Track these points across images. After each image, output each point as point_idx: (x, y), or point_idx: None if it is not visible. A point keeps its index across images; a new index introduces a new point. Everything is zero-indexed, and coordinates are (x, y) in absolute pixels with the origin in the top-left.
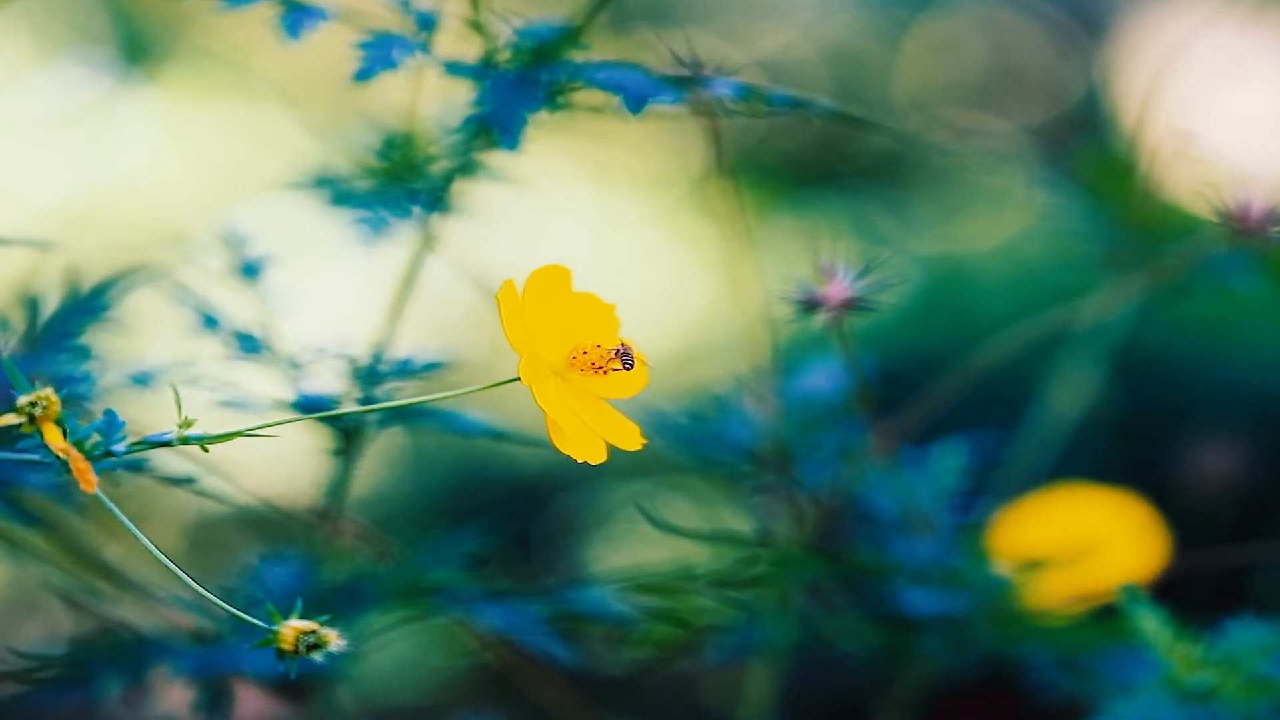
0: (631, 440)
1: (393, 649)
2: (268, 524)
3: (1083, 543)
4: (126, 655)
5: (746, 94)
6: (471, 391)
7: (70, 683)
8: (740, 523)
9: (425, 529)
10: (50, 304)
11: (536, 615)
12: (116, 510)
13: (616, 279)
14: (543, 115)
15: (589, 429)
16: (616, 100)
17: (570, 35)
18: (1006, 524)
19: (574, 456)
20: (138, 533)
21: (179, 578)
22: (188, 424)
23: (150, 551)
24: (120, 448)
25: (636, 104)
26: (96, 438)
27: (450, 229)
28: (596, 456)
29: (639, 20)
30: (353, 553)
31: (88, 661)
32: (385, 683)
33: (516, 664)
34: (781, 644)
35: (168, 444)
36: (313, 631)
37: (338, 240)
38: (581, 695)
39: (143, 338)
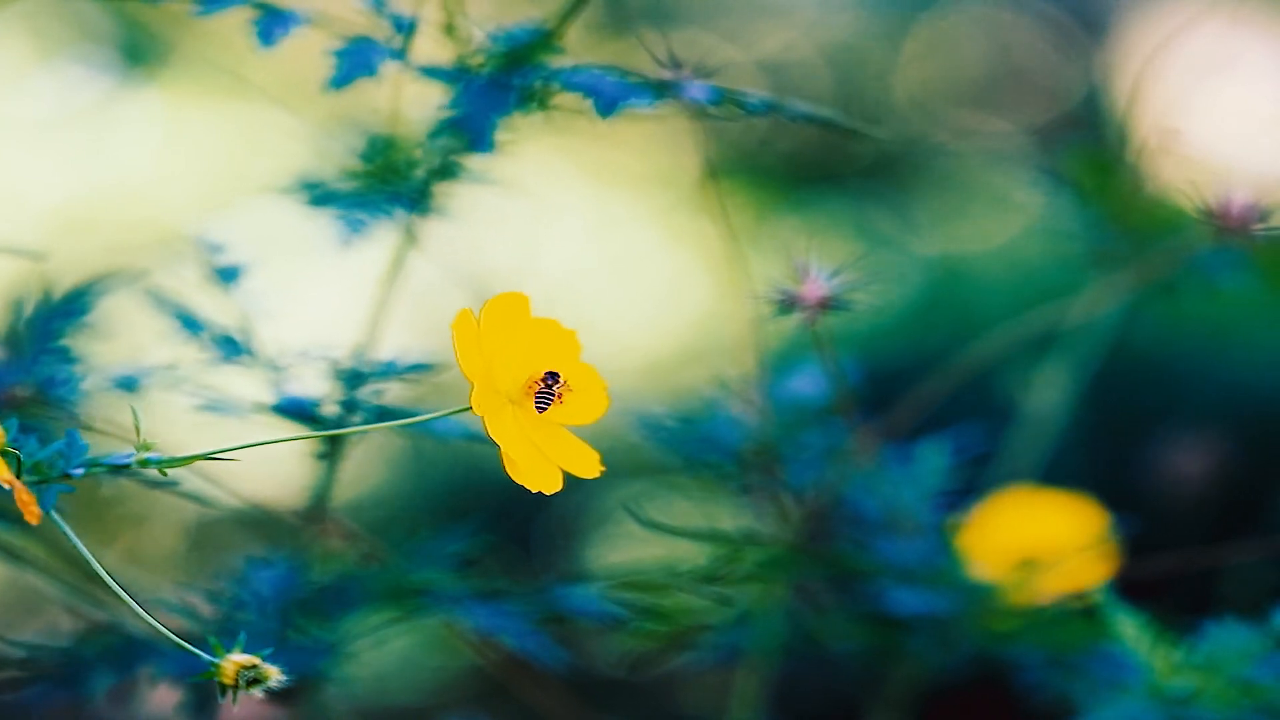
0: (589, 468)
1: (389, 651)
2: (268, 525)
3: (1048, 545)
4: (114, 656)
5: (720, 97)
6: (421, 420)
7: (59, 682)
8: (732, 523)
9: (419, 529)
10: (36, 307)
11: (523, 615)
12: (69, 531)
13: (616, 279)
14: (522, 118)
15: (544, 457)
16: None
17: (544, 39)
18: (979, 524)
19: (528, 487)
20: (86, 551)
21: (114, 590)
22: (147, 447)
23: (93, 567)
24: (77, 471)
25: (607, 107)
26: (58, 459)
27: (447, 231)
28: (550, 486)
29: (639, 21)
30: (342, 554)
31: (76, 662)
32: (380, 684)
33: (510, 666)
34: (771, 644)
35: (125, 467)
36: (253, 666)
37: (329, 243)
38: (574, 697)
39: (129, 340)
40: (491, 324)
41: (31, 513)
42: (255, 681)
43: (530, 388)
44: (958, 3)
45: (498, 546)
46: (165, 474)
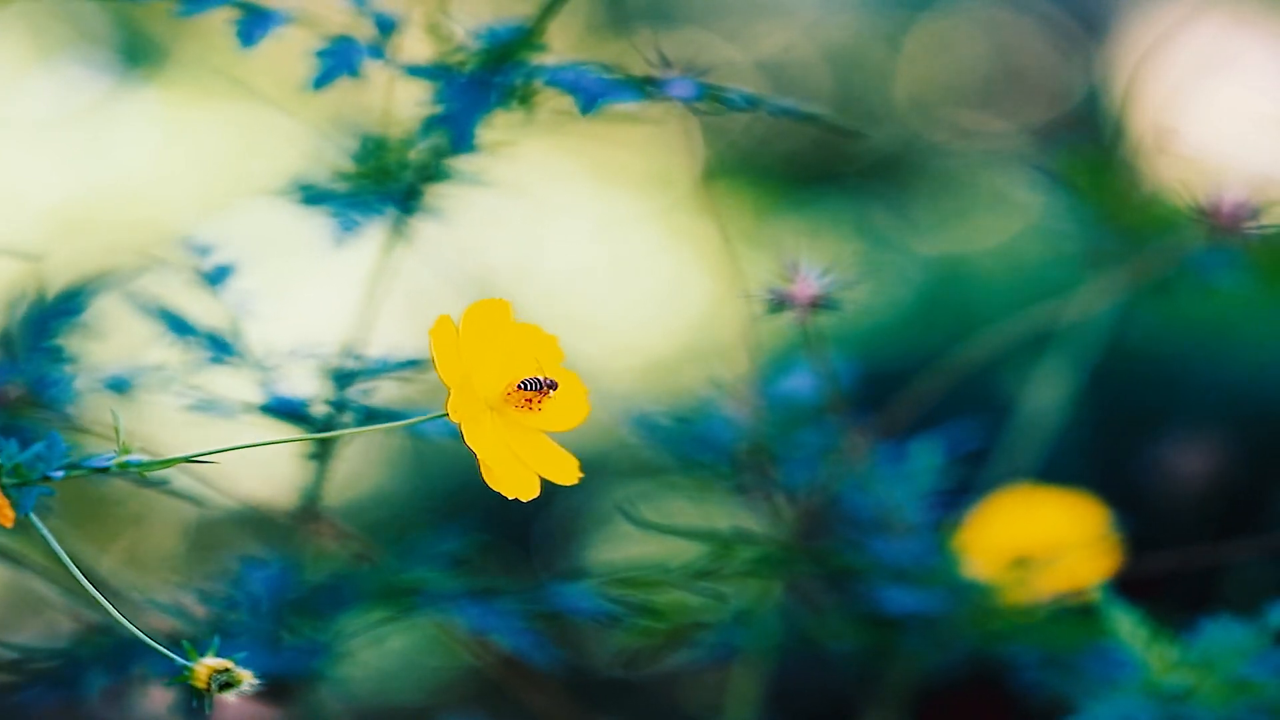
0: (568, 474)
1: (387, 651)
2: (268, 525)
3: (1045, 543)
4: (108, 657)
5: (705, 94)
6: (388, 429)
7: (55, 683)
8: (730, 522)
9: (412, 528)
10: (30, 307)
11: (516, 613)
12: (50, 536)
13: (616, 279)
14: (508, 116)
15: (522, 464)
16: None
17: (527, 37)
18: (975, 524)
19: (504, 494)
20: (65, 556)
21: (95, 598)
22: (126, 450)
23: (72, 572)
24: (57, 474)
25: (589, 104)
26: (37, 461)
27: (443, 231)
28: (527, 493)
29: (640, 21)
30: (335, 554)
31: (72, 662)
32: (376, 684)
33: (505, 666)
34: (767, 643)
35: (105, 470)
36: (225, 670)
37: (322, 243)
38: (570, 696)
39: (123, 341)
40: (471, 330)
41: (5, 515)
42: (228, 685)
43: (510, 394)
44: (958, 3)
45: (497, 547)
46: (145, 476)
